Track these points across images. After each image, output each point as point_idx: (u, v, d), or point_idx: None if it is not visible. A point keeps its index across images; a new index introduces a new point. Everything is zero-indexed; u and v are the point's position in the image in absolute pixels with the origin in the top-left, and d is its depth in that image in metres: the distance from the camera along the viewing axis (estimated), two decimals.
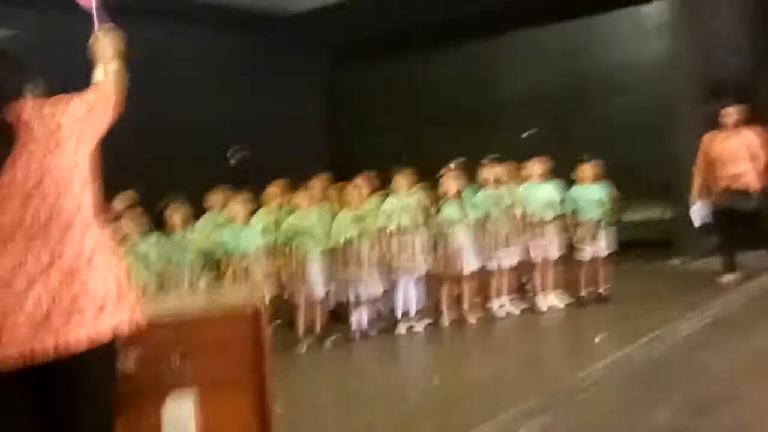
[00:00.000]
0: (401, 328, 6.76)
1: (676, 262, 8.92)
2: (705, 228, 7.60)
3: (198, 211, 6.74)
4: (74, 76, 2.59)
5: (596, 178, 7.32)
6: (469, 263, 6.88)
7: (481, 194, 7.10)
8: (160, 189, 6.33)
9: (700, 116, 9.42)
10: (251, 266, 6.24)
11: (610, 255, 7.28)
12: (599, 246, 7.21)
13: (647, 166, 9.77)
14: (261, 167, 8.48)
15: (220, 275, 6.24)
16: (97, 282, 2.20)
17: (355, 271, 6.58)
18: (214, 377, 2.66)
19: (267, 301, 2.89)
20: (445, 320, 6.87)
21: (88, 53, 2.60)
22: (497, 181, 7.11)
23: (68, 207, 2.19)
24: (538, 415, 4.17)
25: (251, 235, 6.37)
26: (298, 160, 10.18)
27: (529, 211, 7.13)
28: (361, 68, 13.09)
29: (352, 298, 6.64)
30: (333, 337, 6.56)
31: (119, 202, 6.01)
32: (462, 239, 6.89)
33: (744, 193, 7.17)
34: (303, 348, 6.36)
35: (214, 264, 6.28)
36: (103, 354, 2.20)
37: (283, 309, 6.55)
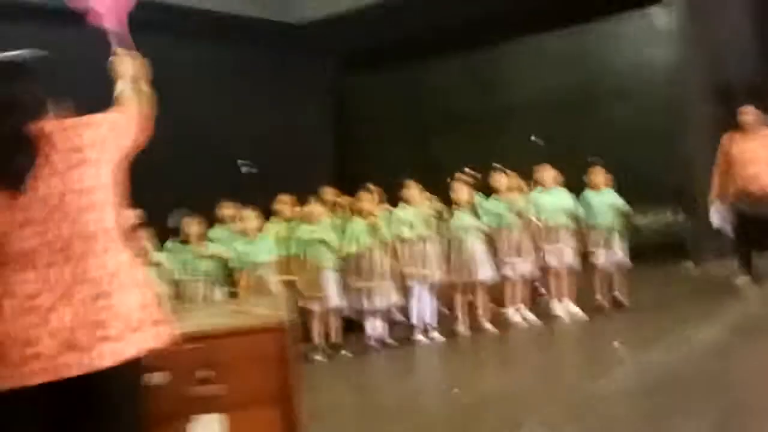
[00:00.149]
0: (416, 338, 6.73)
1: (688, 266, 8.86)
2: (721, 230, 7.52)
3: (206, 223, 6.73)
4: (95, 94, 2.57)
5: (608, 184, 7.30)
6: (483, 271, 6.85)
7: (494, 201, 7.06)
8: (166, 202, 6.32)
9: (709, 120, 9.40)
10: (265, 277, 6.23)
11: (623, 260, 7.24)
12: (614, 251, 7.17)
13: (657, 171, 9.74)
14: (268, 178, 8.48)
15: (233, 287, 6.24)
16: (123, 299, 2.18)
17: (370, 280, 6.55)
18: (241, 394, 2.64)
19: (293, 315, 2.86)
20: (461, 329, 6.84)
21: (110, 72, 2.59)
22: (509, 188, 7.08)
23: (92, 223, 2.17)
24: (561, 426, 4.13)
25: (264, 246, 6.35)
26: (305, 169, 10.20)
27: (542, 218, 7.09)
28: (367, 77, 13.08)
29: (366, 308, 6.61)
30: (348, 347, 6.54)
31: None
32: (475, 247, 6.86)
33: (762, 196, 7.06)
34: (318, 358, 6.33)
35: (228, 275, 6.29)
36: (129, 372, 2.17)
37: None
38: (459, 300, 6.94)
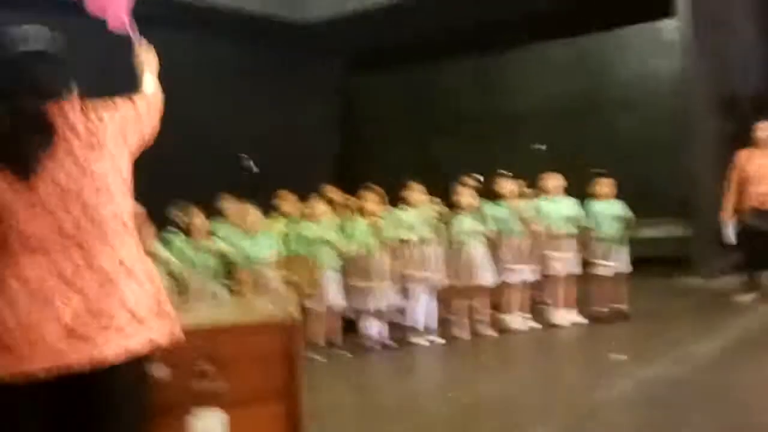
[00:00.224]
0: (415, 340, 6.68)
1: (691, 280, 8.82)
2: (727, 246, 7.47)
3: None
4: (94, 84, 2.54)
5: (613, 194, 7.26)
6: (485, 276, 6.81)
7: (498, 207, 7.03)
8: (165, 199, 6.26)
9: (714, 132, 9.39)
10: (265, 274, 6.18)
11: (625, 270, 7.20)
12: (617, 262, 7.13)
13: (661, 182, 9.74)
14: (269, 176, 8.42)
15: (234, 282, 6.19)
16: (135, 292, 2.13)
17: (370, 280, 6.51)
18: (245, 391, 2.59)
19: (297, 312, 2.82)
20: (461, 333, 6.79)
21: (136, 62, 2.59)
22: (514, 195, 7.04)
23: (107, 212, 2.12)
24: None
25: (265, 243, 6.30)
26: (307, 168, 10.16)
27: (546, 225, 7.05)
28: (372, 78, 13.07)
29: (366, 308, 6.57)
30: (347, 348, 6.49)
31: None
32: (477, 251, 6.82)
33: None
34: (317, 358, 6.28)
35: (227, 271, 6.23)
36: (135, 366, 2.12)
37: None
38: (459, 304, 6.89)
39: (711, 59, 9.41)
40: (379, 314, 6.64)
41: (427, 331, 6.76)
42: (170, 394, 2.45)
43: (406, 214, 6.78)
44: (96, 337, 2.04)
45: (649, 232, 9.04)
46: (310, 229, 6.50)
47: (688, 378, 5.02)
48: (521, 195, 7.17)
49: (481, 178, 7.25)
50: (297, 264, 6.44)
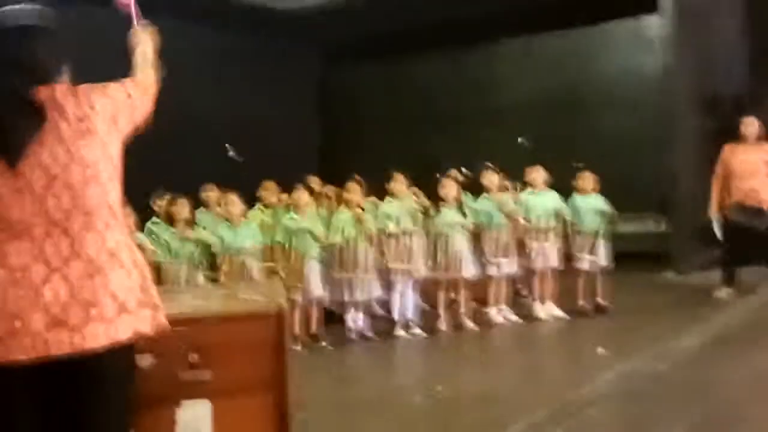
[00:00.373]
0: (397, 332, 6.66)
1: (670, 275, 8.89)
2: (707, 242, 7.52)
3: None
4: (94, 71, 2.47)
5: (596, 188, 7.29)
6: (468, 269, 6.80)
7: (483, 200, 7.02)
8: (147, 185, 6.18)
9: (697, 129, 9.46)
10: (247, 264, 6.14)
11: (607, 266, 7.24)
12: (598, 256, 7.16)
13: (642, 179, 9.78)
14: (252, 165, 8.36)
15: (214, 272, 6.14)
16: (120, 278, 2.08)
17: (352, 272, 6.48)
18: (232, 381, 2.55)
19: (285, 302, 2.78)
20: (443, 326, 6.78)
21: (130, 42, 2.50)
22: (498, 188, 7.04)
23: (94, 197, 2.07)
24: (546, 428, 4.09)
25: (248, 233, 6.25)
26: (289, 159, 10.09)
27: (530, 219, 7.06)
28: (354, 69, 13.01)
29: (348, 300, 6.54)
30: (328, 339, 6.46)
31: None
32: (460, 244, 6.81)
33: (759, 210, 7.04)
34: (297, 349, 6.24)
35: (209, 260, 6.18)
36: (121, 355, 2.08)
37: None
38: (441, 297, 6.89)
39: (694, 56, 9.46)
40: (361, 306, 6.62)
41: (409, 323, 6.74)
42: (156, 384, 2.41)
43: (388, 206, 6.76)
44: (82, 326, 1.99)
45: (629, 227, 9.10)
46: (293, 220, 6.46)
47: (669, 373, 5.06)
48: (504, 188, 7.16)
49: (466, 171, 7.26)
50: (280, 255, 6.40)
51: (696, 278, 8.41)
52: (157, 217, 6.16)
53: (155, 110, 2.40)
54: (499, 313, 7.04)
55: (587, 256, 7.16)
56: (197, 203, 6.75)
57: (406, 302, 6.74)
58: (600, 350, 5.63)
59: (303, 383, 5.27)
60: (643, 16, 10.53)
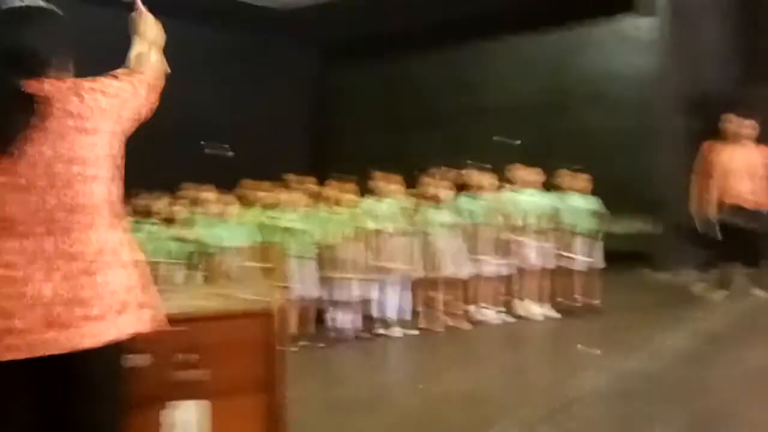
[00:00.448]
0: (386, 331, 6.64)
1: (659, 275, 8.92)
2: (695, 242, 7.53)
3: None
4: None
5: (586, 188, 7.30)
6: (458, 268, 6.79)
7: (471, 199, 7.00)
8: (139, 182, 6.12)
9: (683, 129, 9.50)
10: (235, 263, 6.09)
11: (597, 264, 7.25)
12: (590, 256, 7.17)
13: (629, 179, 9.80)
14: (242, 163, 8.32)
15: (202, 271, 6.09)
16: (120, 278, 2.05)
17: (342, 271, 6.45)
18: (227, 380, 2.53)
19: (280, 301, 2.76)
20: (433, 325, 6.76)
21: (130, 28, 2.41)
22: (489, 187, 7.03)
23: (94, 195, 2.03)
24: (536, 426, 4.08)
25: (236, 232, 6.21)
26: (280, 156, 10.05)
27: (520, 219, 7.06)
28: (349, 68, 12.99)
29: (337, 299, 6.51)
30: (317, 339, 6.42)
31: None
32: (451, 244, 6.79)
33: (753, 211, 7.04)
34: (288, 349, 6.20)
35: (197, 259, 6.13)
36: (110, 355, 2.05)
37: None
38: (430, 295, 6.86)
39: (681, 57, 9.52)
40: (351, 305, 6.58)
41: (400, 322, 6.72)
42: (149, 384, 2.37)
43: (378, 205, 6.73)
44: (77, 325, 1.96)
45: (616, 227, 9.11)
46: (282, 218, 6.41)
47: (661, 371, 5.07)
48: (496, 187, 7.15)
49: (451, 170, 7.25)
50: (269, 253, 6.35)
51: (683, 278, 8.44)
52: (146, 214, 6.11)
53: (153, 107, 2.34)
54: (488, 312, 7.03)
55: (579, 256, 7.16)
56: (185, 201, 6.69)
57: (394, 301, 6.71)
58: (586, 349, 5.63)
59: (292, 383, 5.27)
60: (631, 17, 10.57)
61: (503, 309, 7.13)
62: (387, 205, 6.70)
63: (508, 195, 7.18)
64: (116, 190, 2.12)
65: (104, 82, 2.12)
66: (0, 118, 1.94)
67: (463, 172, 7.25)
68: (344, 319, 6.56)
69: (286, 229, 6.33)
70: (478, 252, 6.95)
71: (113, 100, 2.10)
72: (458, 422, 4.35)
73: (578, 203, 7.20)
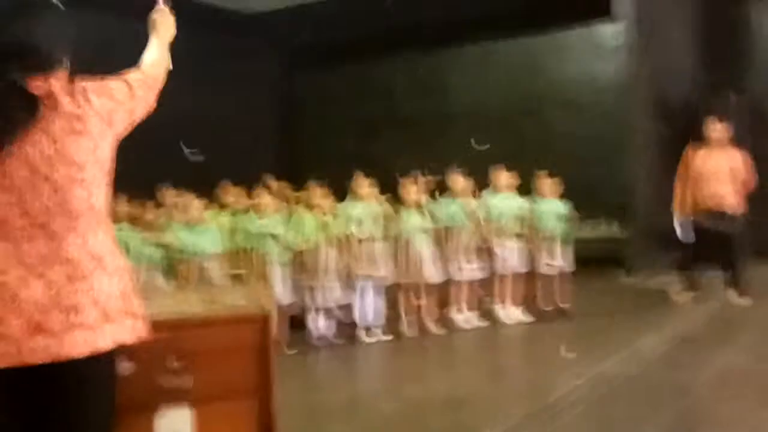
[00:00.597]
0: (361, 337, 6.58)
1: (628, 279, 9.00)
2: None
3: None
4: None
5: (556, 192, 7.33)
6: (432, 273, 6.76)
7: (447, 203, 6.98)
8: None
9: (652, 134, 9.63)
10: (209, 269, 5.99)
11: (567, 268, 7.28)
12: (561, 261, 7.20)
13: (599, 184, 9.90)
14: (209, 166, 8.20)
15: (175, 276, 5.98)
16: (104, 285, 1.97)
17: (318, 277, 6.38)
18: (215, 386, 2.44)
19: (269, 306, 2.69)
20: (408, 331, 6.72)
21: (149, 25, 2.36)
22: (464, 191, 7.02)
23: (79, 199, 1.95)
24: (520, 430, 4.06)
25: (210, 237, 6.11)
26: (250, 160, 9.95)
27: (492, 221, 7.05)
28: (316, 72, 12.92)
29: (313, 305, 6.43)
30: (294, 345, 6.33)
31: None
32: (424, 249, 6.76)
33: (728, 215, 7.09)
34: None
35: (170, 265, 6.01)
36: (102, 363, 1.97)
37: None
38: (405, 300, 6.82)
39: (650, 64, 9.64)
40: (325, 311, 6.51)
41: (374, 328, 6.66)
42: (136, 391, 2.29)
43: (353, 209, 6.66)
44: (63, 333, 1.88)
45: (586, 232, 9.19)
46: (255, 223, 6.32)
47: (638, 374, 5.09)
48: (470, 191, 7.14)
49: (428, 175, 7.22)
50: (242, 258, 6.26)
51: (653, 281, 8.53)
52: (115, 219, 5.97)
53: None
54: (463, 317, 7.02)
55: (550, 261, 7.19)
56: (156, 205, 6.58)
57: (369, 306, 6.66)
58: (567, 354, 5.63)
59: None
60: (600, 24, 10.69)
61: (477, 313, 7.10)
62: (368, 209, 6.63)
63: (484, 198, 7.16)
64: (105, 195, 2.04)
65: (100, 82, 2.05)
66: None
67: (441, 176, 7.23)
68: (319, 325, 6.48)
69: (261, 234, 6.23)
70: (453, 257, 6.92)
71: (108, 102, 2.03)
72: (441, 427, 4.31)
73: (550, 207, 7.23)
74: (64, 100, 1.93)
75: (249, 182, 7.14)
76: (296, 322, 6.63)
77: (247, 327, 2.50)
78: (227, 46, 11.21)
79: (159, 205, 6.67)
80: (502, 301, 7.17)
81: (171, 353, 2.42)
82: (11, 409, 1.91)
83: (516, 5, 10.57)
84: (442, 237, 6.93)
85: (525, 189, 7.39)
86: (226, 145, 10.10)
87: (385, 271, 6.66)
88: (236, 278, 6.04)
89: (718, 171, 7.14)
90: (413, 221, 6.77)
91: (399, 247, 6.77)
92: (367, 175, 7.03)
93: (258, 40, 11.51)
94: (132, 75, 2.18)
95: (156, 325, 2.22)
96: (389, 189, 7.05)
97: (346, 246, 6.50)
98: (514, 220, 7.12)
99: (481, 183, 7.37)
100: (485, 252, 7.07)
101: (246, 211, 6.64)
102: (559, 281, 7.30)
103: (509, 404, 4.62)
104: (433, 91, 12.04)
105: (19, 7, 1.98)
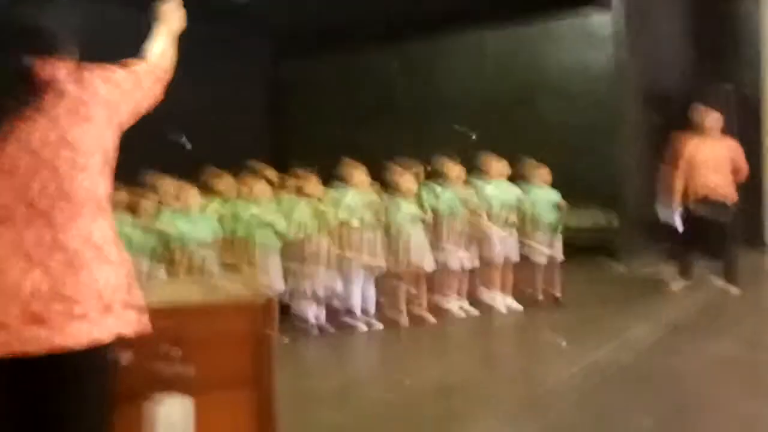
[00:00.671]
0: (354, 325, 6.57)
1: (618, 267, 9.03)
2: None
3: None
4: None
5: (547, 179, 7.33)
6: (424, 261, 6.75)
7: (442, 190, 6.96)
8: None
9: (642, 123, 9.66)
10: (204, 257, 5.94)
11: (558, 256, 7.29)
12: (554, 249, 7.21)
13: (591, 172, 9.90)
14: (202, 154, 8.13)
15: (168, 265, 5.93)
16: (106, 276, 1.94)
17: (310, 264, 6.36)
18: (213, 375, 2.43)
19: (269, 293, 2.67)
20: (399, 319, 6.71)
21: (155, 15, 2.33)
22: (454, 178, 7.00)
23: (82, 187, 1.91)
24: (517, 417, 4.06)
25: (204, 225, 6.05)
26: (239, 149, 9.86)
27: (486, 209, 7.04)
28: (306, 59, 12.84)
29: (304, 293, 6.41)
30: (285, 333, 6.32)
31: None
32: (416, 236, 6.75)
33: (721, 204, 7.10)
34: None
35: (164, 253, 5.96)
36: (101, 354, 1.95)
37: None
38: (398, 288, 6.81)
39: (641, 53, 9.66)
40: (316, 298, 6.50)
41: (365, 315, 6.65)
42: (133, 379, 2.27)
43: (346, 196, 6.63)
44: (61, 323, 1.85)
45: (577, 220, 9.21)
46: (248, 210, 6.28)
47: (632, 363, 5.11)
48: (464, 179, 7.12)
49: (422, 164, 7.21)
50: (235, 246, 6.21)
51: (644, 270, 8.57)
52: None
53: None
54: (456, 304, 7.02)
55: (541, 248, 7.19)
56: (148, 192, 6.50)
57: (363, 294, 6.65)
58: (562, 342, 5.64)
59: None
60: (593, 13, 10.67)
61: (469, 301, 7.10)
62: (356, 196, 6.61)
63: (477, 186, 7.14)
64: (105, 184, 2.00)
65: (106, 70, 2.03)
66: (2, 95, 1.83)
67: (430, 164, 7.21)
68: (312, 313, 6.46)
69: (255, 222, 6.19)
70: (444, 244, 6.92)
71: (114, 90, 2.00)
72: (433, 414, 4.31)
73: (542, 195, 7.22)
74: (69, 86, 1.90)
75: (235, 169, 7.09)
76: (287, 311, 6.62)
77: (248, 315, 2.49)
78: (215, 32, 11.10)
79: (151, 192, 6.60)
80: (495, 290, 7.17)
81: (170, 342, 2.39)
82: (9, 397, 1.89)
83: None
84: (435, 225, 6.91)
85: (516, 177, 7.37)
86: (211, 132, 10.03)
87: (378, 259, 6.64)
88: (229, 267, 6.00)
89: (712, 160, 7.13)
90: (406, 209, 6.74)
91: (392, 235, 6.75)
92: (360, 163, 7.00)
93: (248, 28, 11.41)
94: (140, 66, 2.15)
95: (155, 314, 2.20)
96: (379, 176, 7.02)
97: (339, 234, 6.47)
98: (507, 208, 7.10)
99: (472, 171, 7.36)
100: (478, 240, 7.06)
101: (241, 199, 6.59)
102: (549, 269, 7.30)
103: (502, 392, 4.64)
104: (424, 79, 11.99)
105: None
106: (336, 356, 6.08)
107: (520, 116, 10.98)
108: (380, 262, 6.65)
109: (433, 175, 7.17)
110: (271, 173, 7.20)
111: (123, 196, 5.86)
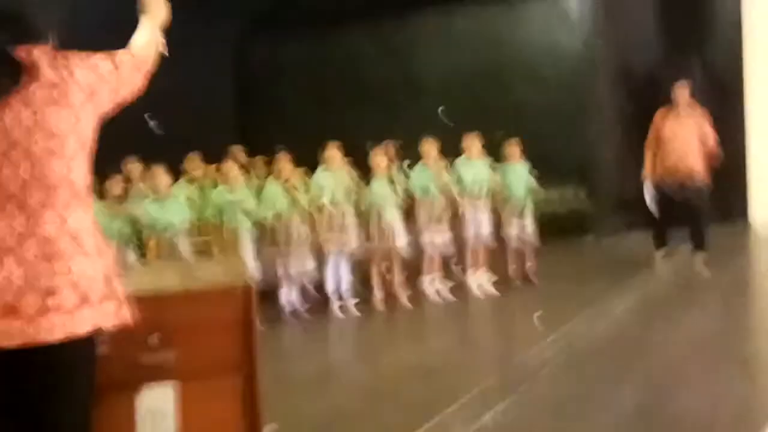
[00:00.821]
0: (331, 308, 6.55)
1: (590, 241, 9.12)
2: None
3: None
4: None
5: (521, 157, 7.35)
6: (400, 241, 6.74)
7: (420, 171, 6.93)
8: None
9: (612, 102, 9.74)
10: (176, 241, 5.88)
11: (533, 235, 7.32)
12: (526, 225, 7.24)
13: (563, 149, 9.93)
14: (171, 138, 8.03)
15: (141, 249, 5.87)
16: (83, 266, 1.88)
17: (285, 247, 6.32)
18: (199, 362, 2.39)
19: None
20: (376, 301, 6.70)
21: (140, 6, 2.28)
22: (435, 160, 6.97)
23: (56, 171, 1.86)
24: (497, 395, 4.08)
25: (176, 208, 5.99)
26: (210, 131, 9.75)
27: (462, 189, 7.03)
28: (275, 40, 12.69)
29: (281, 276, 6.38)
30: (261, 317, 6.27)
31: None
32: (392, 216, 6.73)
33: (694, 183, 7.10)
34: None
35: (136, 238, 5.90)
36: (80, 346, 1.89)
37: None
38: (375, 270, 6.79)
39: (612, 33, 9.72)
40: (294, 282, 6.46)
41: (342, 298, 6.63)
42: (117, 369, 2.22)
43: (324, 177, 6.58)
44: (37, 316, 1.80)
45: (551, 199, 9.26)
46: (225, 194, 6.21)
47: (608, 335, 5.18)
48: (439, 158, 7.09)
49: (395, 143, 7.18)
50: (211, 231, 6.16)
51: (615, 245, 8.65)
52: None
53: None
54: (433, 286, 7.01)
55: (515, 226, 7.21)
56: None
57: (339, 277, 6.62)
58: (537, 318, 5.67)
59: None
60: None
61: (446, 281, 7.11)
62: (336, 176, 6.55)
63: (455, 166, 7.10)
64: (83, 173, 1.95)
65: (84, 57, 1.97)
66: None
67: (402, 145, 7.17)
68: (290, 298, 6.43)
69: (233, 205, 6.13)
70: (422, 225, 6.90)
71: (90, 75, 1.95)
72: (414, 396, 4.30)
73: (515, 173, 7.24)
74: (45, 68, 1.86)
75: (206, 152, 7.00)
76: (264, 296, 6.58)
77: (229, 301, 2.45)
78: (184, 16, 10.93)
79: (126, 179, 6.50)
80: (473, 270, 7.15)
81: (151, 330, 2.35)
82: None
83: None
84: (410, 206, 6.89)
85: (490, 157, 7.37)
86: (185, 116, 9.88)
87: (355, 242, 6.61)
88: (205, 252, 5.95)
89: (686, 139, 7.15)
90: (383, 191, 6.71)
91: (370, 218, 6.72)
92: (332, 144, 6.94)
93: (217, 7, 11.23)
94: (120, 55, 2.10)
95: (136, 302, 2.16)
96: (352, 157, 6.96)
97: (317, 217, 6.43)
98: (482, 186, 7.09)
99: (446, 151, 7.33)
100: (454, 219, 7.05)
101: (212, 182, 6.53)
102: (527, 248, 7.33)
103: (482, 371, 4.65)
104: (397, 59, 11.92)
105: None
106: (316, 340, 6.06)
107: (492, 96, 10.96)
108: (356, 243, 6.62)
109: (407, 156, 7.13)
110: (242, 156, 7.15)
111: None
